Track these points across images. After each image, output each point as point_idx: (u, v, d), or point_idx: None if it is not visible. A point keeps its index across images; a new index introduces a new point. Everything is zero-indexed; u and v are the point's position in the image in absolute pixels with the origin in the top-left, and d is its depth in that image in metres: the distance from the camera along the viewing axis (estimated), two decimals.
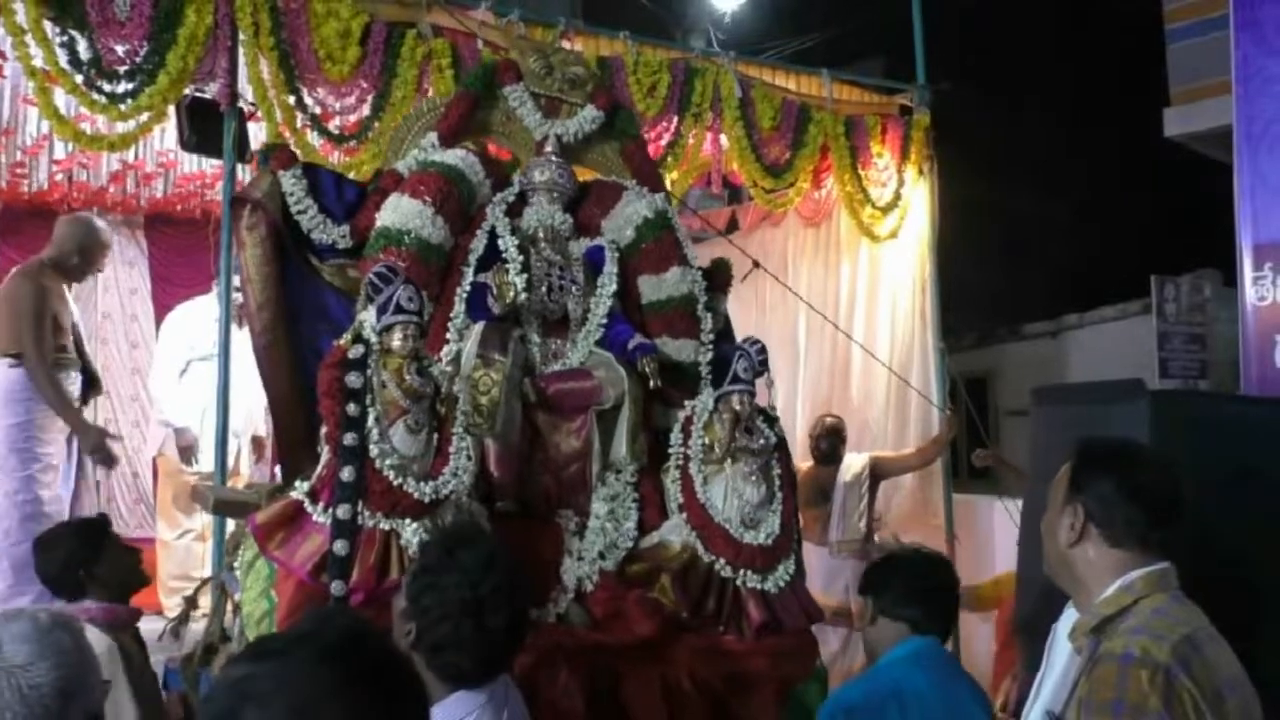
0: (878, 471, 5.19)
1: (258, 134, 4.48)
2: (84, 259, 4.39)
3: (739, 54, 5.48)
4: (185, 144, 4.29)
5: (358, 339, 2.83)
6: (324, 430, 2.83)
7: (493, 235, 3.41)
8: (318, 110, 4.23)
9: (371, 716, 1.07)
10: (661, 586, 3.12)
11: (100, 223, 4.64)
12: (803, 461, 5.08)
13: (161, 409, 5.22)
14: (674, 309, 3.57)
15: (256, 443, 5.33)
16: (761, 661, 3.05)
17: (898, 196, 5.74)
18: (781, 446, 3.46)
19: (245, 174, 4.48)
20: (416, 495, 2.74)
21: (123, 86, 3.78)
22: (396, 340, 2.83)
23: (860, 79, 6.06)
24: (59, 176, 6.06)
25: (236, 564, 2.96)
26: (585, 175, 3.91)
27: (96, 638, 2.23)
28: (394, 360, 2.82)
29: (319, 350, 3.06)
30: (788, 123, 5.37)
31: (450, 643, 1.86)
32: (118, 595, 2.88)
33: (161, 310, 6.20)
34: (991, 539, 5.74)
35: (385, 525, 2.71)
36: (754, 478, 3.25)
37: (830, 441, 5.17)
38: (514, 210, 3.53)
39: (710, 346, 3.56)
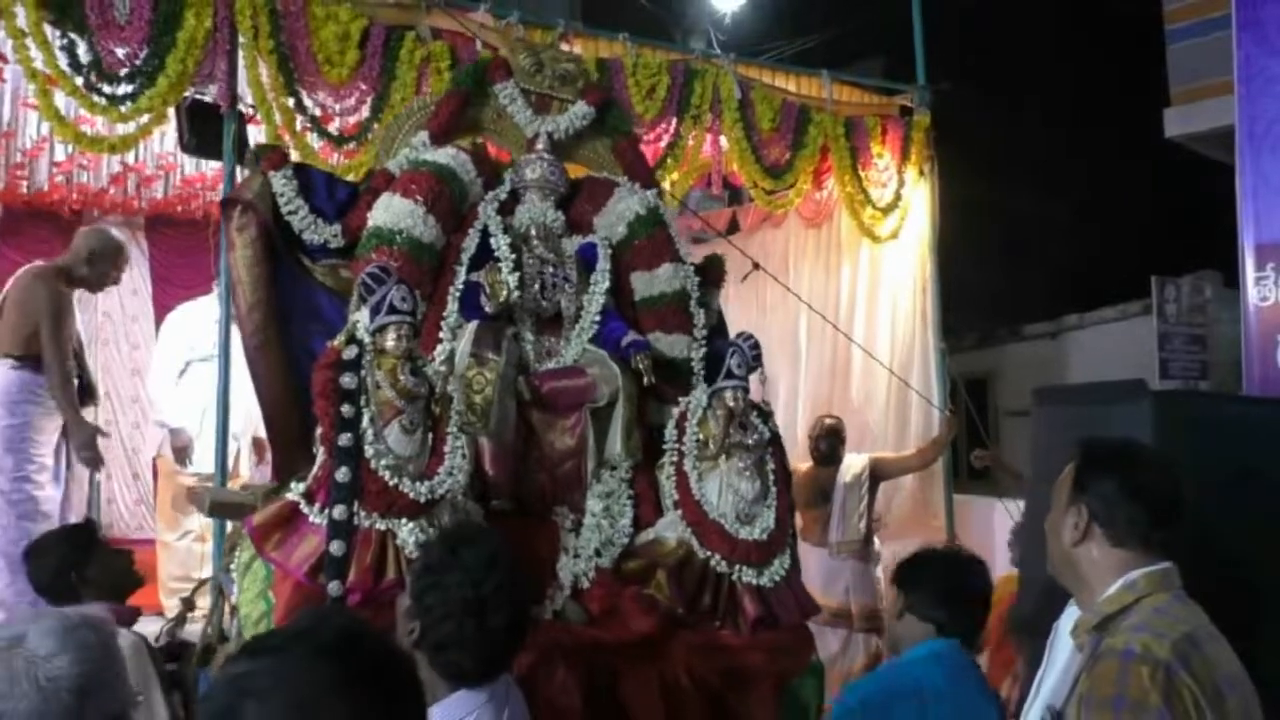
0: (878, 472, 5.18)
1: (257, 136, 4.48)
2: (91, 269, 4.41)
3: (739, 55, 5.48)
4: (185, 146, 4.31)
5: (351, 340, 2.82)
6: (319, 431, 2.83)
7: (485, 234, 3.41)
8: (317, 113, 4.24)
9: (370, 713, 1.07)
10: (657, 583, 3.12)
11: (116, 234, 4.66)
12: (802, 462, 5.08)
13: (158, 409, 5.23)
14: (667, 305, 3.58)
15: (257, 444, 5.31)
16: (758, 656, 3.05)
17: (898, 197, 5.74)
18: (776, 441, 3.46)
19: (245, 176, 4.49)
20: (412, 495, 2.74)
21: (123, 89, 3.79)
22: (390, 341, 2.82)
23: (860, 80, 6.06)
24: (59, 178, 6.09)
25: (233, 565, 2.96)
26: (577, 172, 3.90)
27: (124, 636, 2.22)
28: (388, 361, 2.82)
29: (311, 351, 3.06)
30: (788, 124, 5.38)
31: (453, 641, 1.86)
32: (112, 597, 2.88)
33: (162, 311, 6.20)
34: (991, 540, 5.71)
35: (381, 525, 2.72)
36: (749, 473, 3.25)
37: (830, 442, 5.16)
38: (506, 208, 3.53)
39: (704, 342, 3.57)
